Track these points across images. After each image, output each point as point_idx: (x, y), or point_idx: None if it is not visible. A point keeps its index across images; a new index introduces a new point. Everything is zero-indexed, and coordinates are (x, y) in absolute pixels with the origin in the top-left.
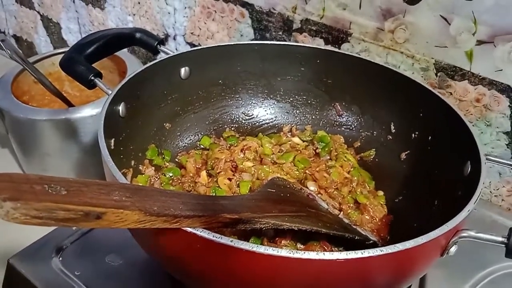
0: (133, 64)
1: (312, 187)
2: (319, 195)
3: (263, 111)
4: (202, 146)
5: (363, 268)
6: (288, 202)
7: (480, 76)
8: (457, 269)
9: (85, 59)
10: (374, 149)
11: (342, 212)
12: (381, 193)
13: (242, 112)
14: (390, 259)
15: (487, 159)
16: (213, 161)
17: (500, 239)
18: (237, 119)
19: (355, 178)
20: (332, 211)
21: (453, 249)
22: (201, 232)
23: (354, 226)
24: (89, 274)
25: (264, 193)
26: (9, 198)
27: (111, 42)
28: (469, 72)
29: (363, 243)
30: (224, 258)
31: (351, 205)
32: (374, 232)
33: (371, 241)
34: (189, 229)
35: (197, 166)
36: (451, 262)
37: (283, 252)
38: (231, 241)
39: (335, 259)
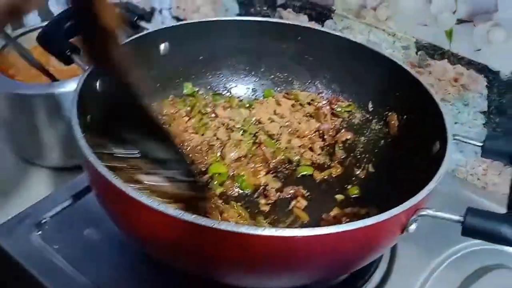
0: None
1: None
2: None
3: (244, 88)
4: None
5: (323, 245)
6: None
7: (459, 55)
8: (429, 244)
9: (63, 34)
10: None
11: None
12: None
13: (223, 89)
14: (350, 235)
15: (454, 138)
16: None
17: (457, 217)
18: None
19: None
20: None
21: (413, 226)
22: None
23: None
24: (68, 248)
25: None
26: None
27: None
28: (449, 52)
29: None
30: (189, 234)
31: None
32: None
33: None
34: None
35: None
36: (423, 237)
37: (243, 229)
38: (196, 217)
39: (294, 235)
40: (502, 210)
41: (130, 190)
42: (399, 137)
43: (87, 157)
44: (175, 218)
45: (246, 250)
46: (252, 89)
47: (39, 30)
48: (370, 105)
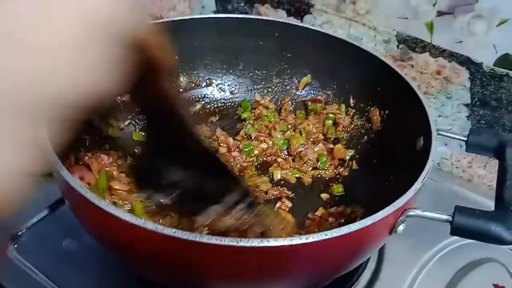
0: None
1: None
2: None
3: (223, 87)
4: None
5: (311, 252)
6: None
7: (440, 48)
8: (417, 240)
9: None
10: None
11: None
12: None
13: (200, 89)
14: (339, 241)
15: (439, 134)
16: None
17: (445, 217)
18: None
19: None
20: None
21: (401, 227)
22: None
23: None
24: (46, 261)
25: None
26: None
27: None
28: (430, 44)
29: None
30: (171, 249)
31: None
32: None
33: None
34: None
35: None
36: (411, 234)
37: (227, 241)
38: (177, 232)
39: (281, 245)
40: (488, 202)
41: (105, 205)
42: (382, 132)
43: (59, 171)
44: (158, 233)
45: (231, 263)
46: (230, 91)
47: None
48: (351, 101)
